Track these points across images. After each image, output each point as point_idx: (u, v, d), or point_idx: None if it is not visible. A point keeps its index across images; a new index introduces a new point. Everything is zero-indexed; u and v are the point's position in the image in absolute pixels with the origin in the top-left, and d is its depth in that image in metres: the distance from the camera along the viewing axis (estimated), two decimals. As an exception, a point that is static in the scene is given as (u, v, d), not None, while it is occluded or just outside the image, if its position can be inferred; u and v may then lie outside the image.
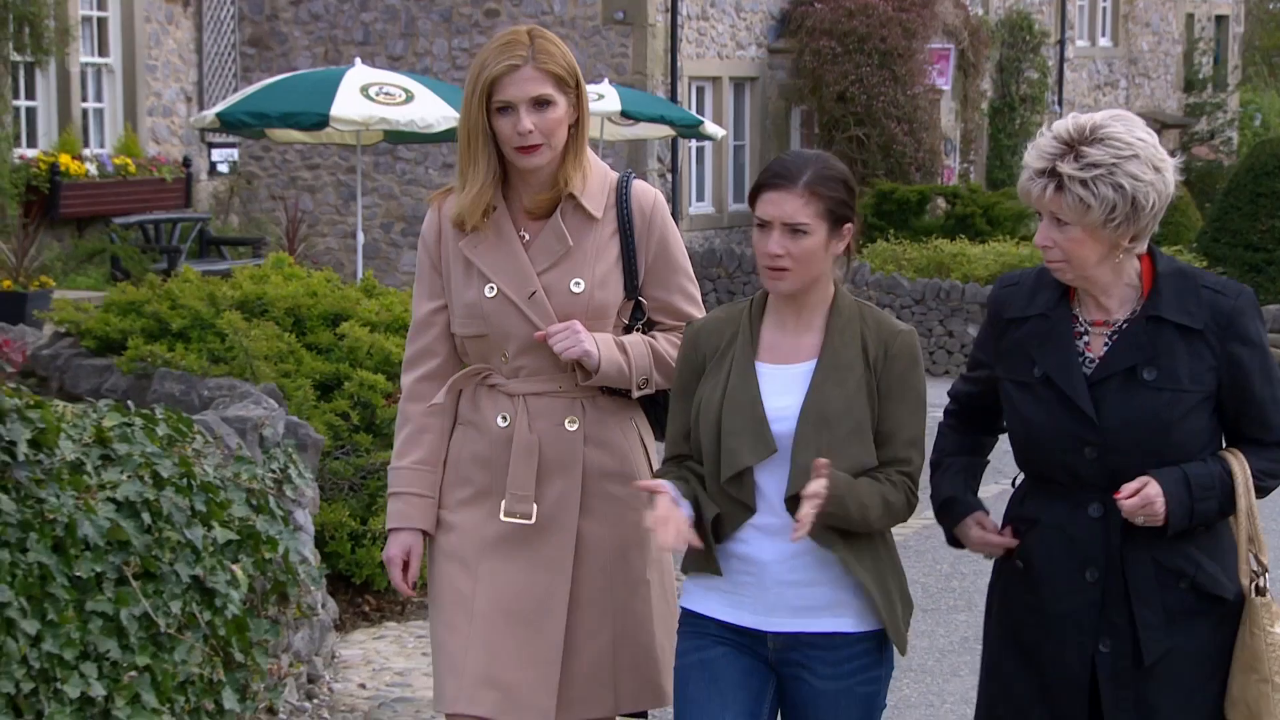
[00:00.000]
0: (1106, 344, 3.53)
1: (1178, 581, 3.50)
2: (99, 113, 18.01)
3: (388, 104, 12.45)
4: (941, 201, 21.85)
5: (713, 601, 3.60)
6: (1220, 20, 35.39)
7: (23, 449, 4.41)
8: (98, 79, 18.01)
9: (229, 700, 5.18)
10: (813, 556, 3.52)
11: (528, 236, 3.83)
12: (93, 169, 16.79)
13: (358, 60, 13.62)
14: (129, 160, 17.38)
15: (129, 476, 4.94)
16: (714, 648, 3.60)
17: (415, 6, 20.58)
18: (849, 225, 3.56)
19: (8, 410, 4.37)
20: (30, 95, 17.05)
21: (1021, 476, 3.70)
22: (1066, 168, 3.42)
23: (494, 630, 3.79)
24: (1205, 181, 28.48)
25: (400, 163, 20.68)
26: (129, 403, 5.40)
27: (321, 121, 12.51)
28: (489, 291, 3.80)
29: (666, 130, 16.96)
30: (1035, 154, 3.48)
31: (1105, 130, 3.44)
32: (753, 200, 3.58)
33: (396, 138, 13.88)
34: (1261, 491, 3.56)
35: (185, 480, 5.15)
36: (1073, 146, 3.43)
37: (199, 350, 7.54)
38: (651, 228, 3.87)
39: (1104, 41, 31.08)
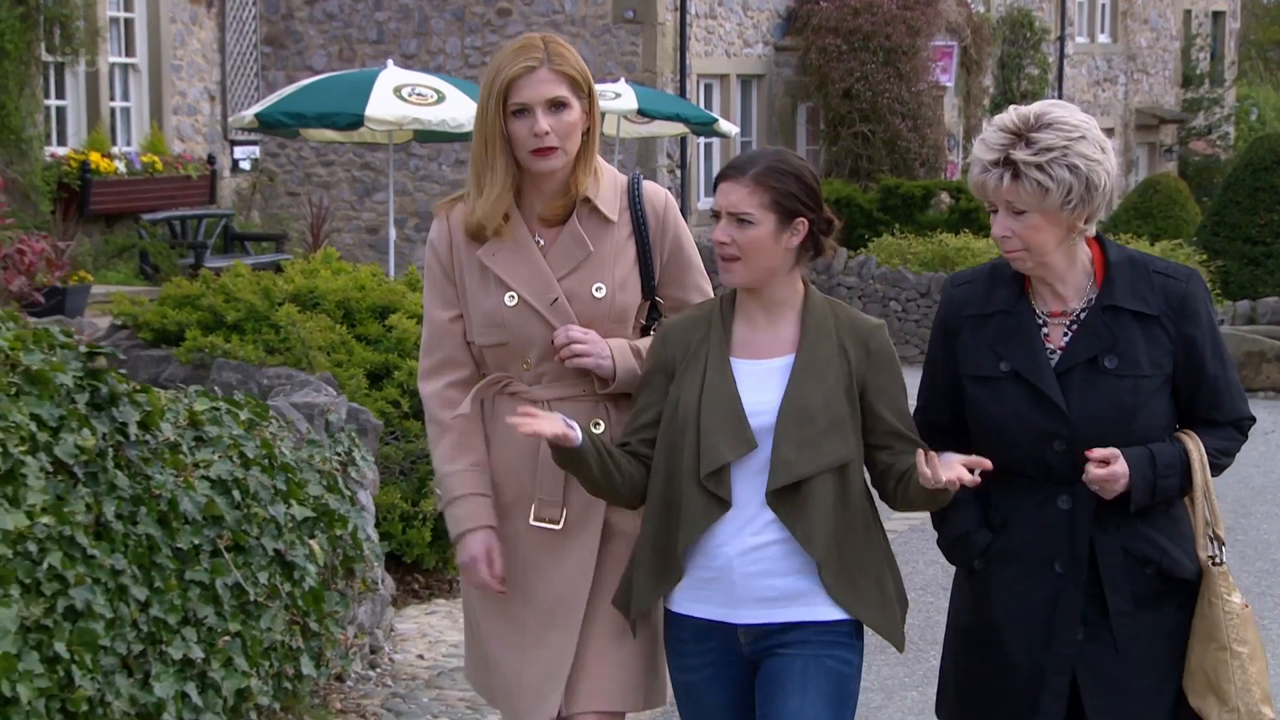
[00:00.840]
0: (1065, 334, 3.55)
1: (1144, 567, 3.54)
2: (125, 111, 18.27)
3: (420, 104, 12.72)
4: (945, 196, 22.12)
5: (683, 597, 3.61)
6: (1217, 16, 35.66)
7: (133, 430, 4.76)
8: (125, 78, 18.27)
9: (306, 666, 5.53)
10: (777, 548, 3.53)
11: (543, 242, 3.80)
12: (121, 166, 17.03)
13: (390, 62, 13.89)
14: (156, 158, 17.63)
15: (220, 457, 5.31)
16: (695, 671, 3.64)
17: (428, 6, 20.80)
18: (801, 219, 3.55)
19: (120, 395, 4.73)
20: (60, 95, 17.31)
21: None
22: (1020, 154, 3.41)
23: (521, 629, 3.85)
24: (1203, 176, 28.81)
25: (414, 159, 20.90)
26: (215, 388, 5.76)
27: (356, 121, 12.79)
28: (509, 300, 3.76)
29: (680, 128, 17.23)
30: (984, 148, 3.47)
31: (1050, 115, 3.45)
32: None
33: (427, 137, 14.13)
34: (1216, 469, 3.59)
35: (268, 460, 5.53)
36: (1021, 135, 3.44)
37: (254, 341, 7.86)
38: (665, 227, 3.85)
39: (1103, 38, 31.39)
